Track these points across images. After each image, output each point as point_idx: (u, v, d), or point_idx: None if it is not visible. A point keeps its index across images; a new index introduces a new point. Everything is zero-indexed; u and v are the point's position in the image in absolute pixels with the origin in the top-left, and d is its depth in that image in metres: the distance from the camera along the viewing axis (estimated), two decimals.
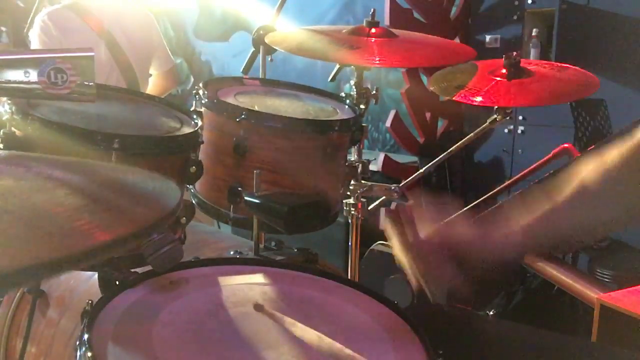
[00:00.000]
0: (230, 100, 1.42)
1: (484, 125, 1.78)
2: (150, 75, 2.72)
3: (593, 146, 1.68)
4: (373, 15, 1.61)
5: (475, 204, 2.19)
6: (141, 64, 2.56)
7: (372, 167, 2.96)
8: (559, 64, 1.80)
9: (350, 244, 1.67)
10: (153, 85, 2.73)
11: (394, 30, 1.68)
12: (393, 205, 3.32)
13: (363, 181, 1.61)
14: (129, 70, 2.46)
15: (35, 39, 2.37)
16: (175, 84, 2.91)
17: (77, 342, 0.80)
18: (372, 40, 1.58)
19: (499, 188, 2.25)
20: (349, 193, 1.60)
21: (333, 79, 1.92)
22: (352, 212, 1.62)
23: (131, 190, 0.73)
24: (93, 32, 2.38)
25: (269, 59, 1.83)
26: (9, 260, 0.48)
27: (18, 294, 1.53)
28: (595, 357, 1.11)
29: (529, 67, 1.71)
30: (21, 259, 0.49)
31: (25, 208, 0.59)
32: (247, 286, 1.03)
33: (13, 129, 1.11)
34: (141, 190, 0.73)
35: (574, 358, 1.09)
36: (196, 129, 1.26)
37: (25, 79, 0.98)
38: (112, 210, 0.63)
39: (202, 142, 1.27)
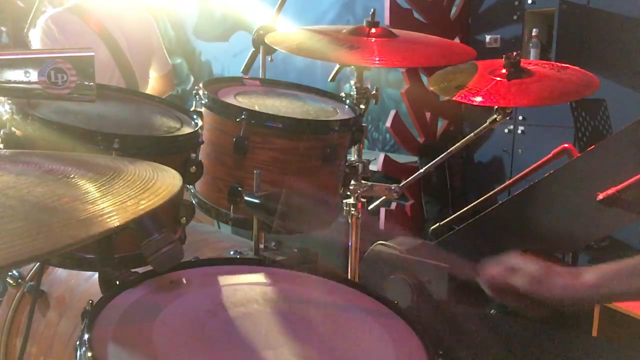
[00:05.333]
0: (230, 100, 1.42)
1: (484, 125, 1.78)
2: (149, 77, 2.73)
3: (593, 146, 1.68)
4: (373, 15, 1.61)
5: (475, 204, 2.19)
6: (141, 66, 2.57)
7: (372, 167, 2.96)
8: (559, 64, 1.80)
9: (350, 244, 1.67)
10: (151, 88, 2.74)
11: (394, 30, 1.68)
12: (393, 206, 3.33)
13: (363, 181, 1.61)
14: (128, 72, 2.47)
15: (38, 43, 2.37)
16: (172, 87, 2.93)
17: (78, 342, 0.80)
18: (372, 40, 1.58)
19: (499, 188, 2.25)
20: (349, 193, 1.60)
21: (333, 79, 1.92)
22: (352, 212, 1.62)
23: (132, 179, 0.73)
24: (94, 33, 2.38)
25: (269, 59, 1.83)
26: (9, 255, 0.48)
27: (18, 294, 1.53)
28: (595, 352, 1.11)
29: (529, 67, 1.71)
30: (20, 253, 0.49)
31: (25, 202, 0.59)
32: (247, 286, 1.03)
33: (13, 128, 1.11)
34: (142, 178, 0.74)
35: (575, 353, 1.10)
36: (196, 129, 1.26)
37: (26, 79, 0.98)
38: (114, 198, 0.63)
39: (202, 142, 1.27)
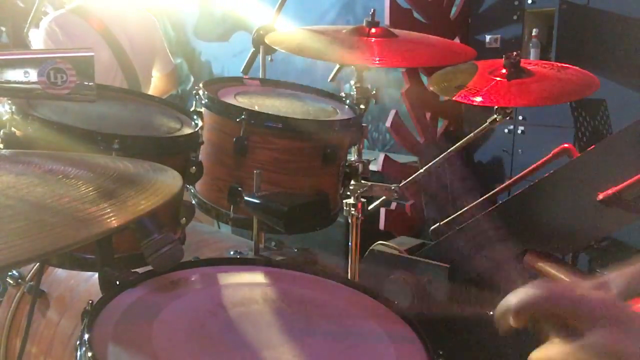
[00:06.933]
0: (230, 100, 1.42)
1: (484, 125, 1.78)
2: (152, 77, 2.74)
3: (593, 146, 1.68)
4: (373, 15, 1.61)
5: (475, 204, 2.19)
6: (143, 67, 2.57)
7: (372, 167, 2.96)
8: (559, 64, 1.80)
9: (350, 244, 1.67)
10: (154, 87, 2.75)
11: (394, 30, 1.68)
12: (393, 206, 3.33)
13: (363, 181, 1.61)
14: (131, 73, 2.47)
15: (41, 45, 2.37)
16: (176, 86, 2.93)
17: (78, 342, 0.80)
18: (372, 40, 1.58)
19: (499, 188, 2.25)
20: (349, 193, 1.60)
21: (333, 79, 1.92)
22: (352, 212, 1.62)
23: (132, 179, 0.73)
24: (97, 34, 2.39)
25: (269, 59, 1.83)
26: (9, 255, 0.48)
27: (18, 294, 1.53)
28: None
29: (529, 67, 1.71)
30: (20, 253, 0.49)
31: (25, 202, 0.59)
32: (247, 286, 1.03)
33: (13, 129, 1.11)
34: (142, 178, 0.74)
35: None
36: (196, 129, 1.26)
37: (25, 79, 0.98)
38: (114, 198, 0.63)
39: (202, 143, 1.27)
